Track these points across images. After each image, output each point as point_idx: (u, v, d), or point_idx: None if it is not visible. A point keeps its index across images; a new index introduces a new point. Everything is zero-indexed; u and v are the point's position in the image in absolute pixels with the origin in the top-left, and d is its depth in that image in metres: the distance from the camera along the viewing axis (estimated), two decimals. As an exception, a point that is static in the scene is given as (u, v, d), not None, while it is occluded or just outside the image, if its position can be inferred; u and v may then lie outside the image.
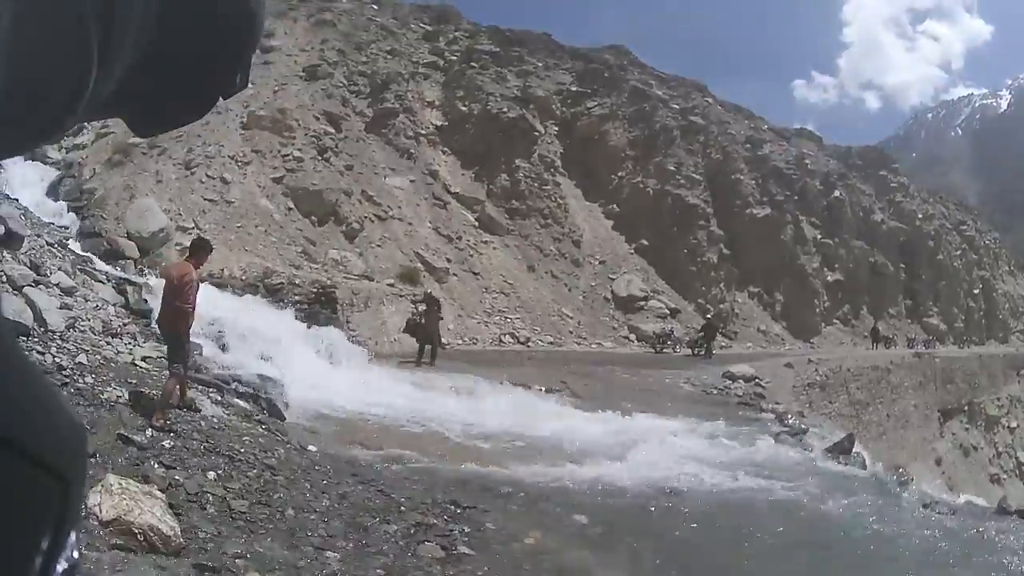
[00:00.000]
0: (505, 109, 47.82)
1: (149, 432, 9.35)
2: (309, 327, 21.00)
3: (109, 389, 10.25)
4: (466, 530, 9.20)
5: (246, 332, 17.61)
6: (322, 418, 15.05)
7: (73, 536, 0.56)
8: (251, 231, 30.01)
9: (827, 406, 35.69)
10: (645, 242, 49.89)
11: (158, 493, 7.59)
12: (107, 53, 0.53)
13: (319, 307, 24.28)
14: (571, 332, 38.81)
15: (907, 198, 76.71)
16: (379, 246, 35.28)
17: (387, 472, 11.41)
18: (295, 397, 15.31)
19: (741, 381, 28.41)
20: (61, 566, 0.55)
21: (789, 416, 22.72)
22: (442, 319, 26.65)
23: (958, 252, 79.43)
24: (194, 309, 10.75)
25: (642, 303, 44.61)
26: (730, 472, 14.22)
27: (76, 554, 0.57)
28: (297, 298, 24.55)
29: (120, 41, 0.54)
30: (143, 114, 0.71)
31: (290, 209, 33.23)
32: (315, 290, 25.05)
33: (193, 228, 28.66)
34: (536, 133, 48.71)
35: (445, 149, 46.19)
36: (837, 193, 65.44)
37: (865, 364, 44.92)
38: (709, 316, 40.43)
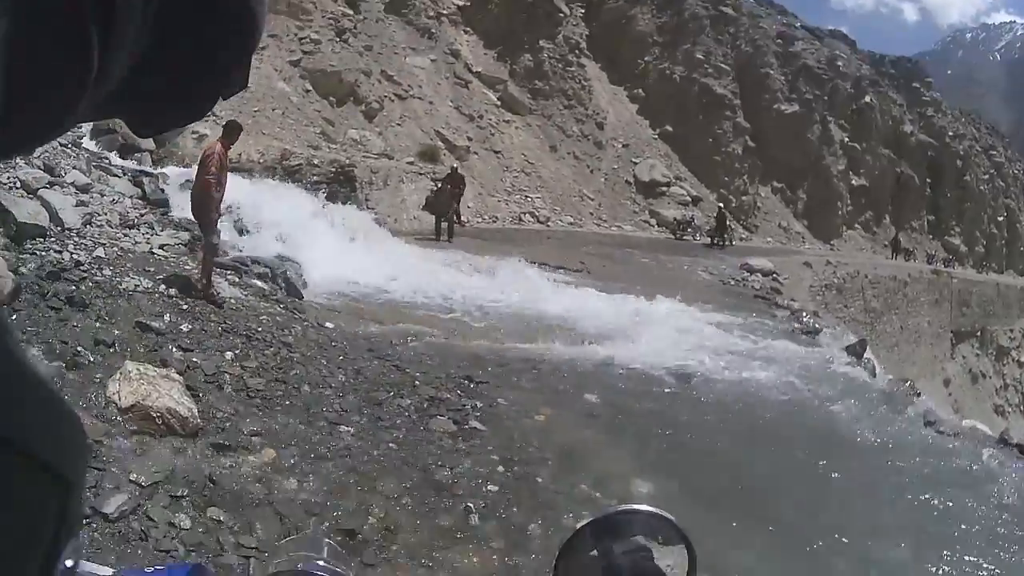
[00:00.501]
0: (530, -12, 46.70)
1: (167, 317, 9.42)
2: (326, 206, 20.94)
3: (127, 279, 10.22)
4: (478, 405, 9.38)
5: (264, 214, 17.59)
6: (340, 296, 15.12)
7: (72, 536, 0.56)
8: (268, 115, 29.72)
9: (842, 310, 35.71)
10: (669, 128, 49.49)
11: (176, 376, 7.71)
12: (107, 53, 0.51)
13: (338, 186, 24.16)
14: (591, 214, 38.75)
15: (938, 114, 75.03)
16: (399, 125, 34.97)
17: (403, 348, 11.56)
18: (313, 276, 15.38)
19: (759, 275, 28.39)
20: (62, 566, 0.55)
21: (804, 314, 22.77)
22: (462, 195, 26.43)
23: (986, 176, 77.54)
24: (219, 184, 10.84)
25: (664, 188, 44.38)
26: (742, 363, 14.35)
27: (77, 554, 0.60)
28: (316, 178, 24.45)
29: (120, 40, 0.52)
30: (143, 114, 0.70)
31: (308, 91, 32.83)
32: (334, 169, 24.91)
33: (208, 116, 28.34)
34: (561, 14, 47.63)
35: (467, 29, 45.36)
36: (868, 98, 63.95)
37: (883, 273, 44.33)
38: (721, 206, 39.80)
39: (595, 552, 1.21)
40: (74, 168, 15.43)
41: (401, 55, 39.22)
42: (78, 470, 0.55)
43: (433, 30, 42.41)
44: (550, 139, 42.75)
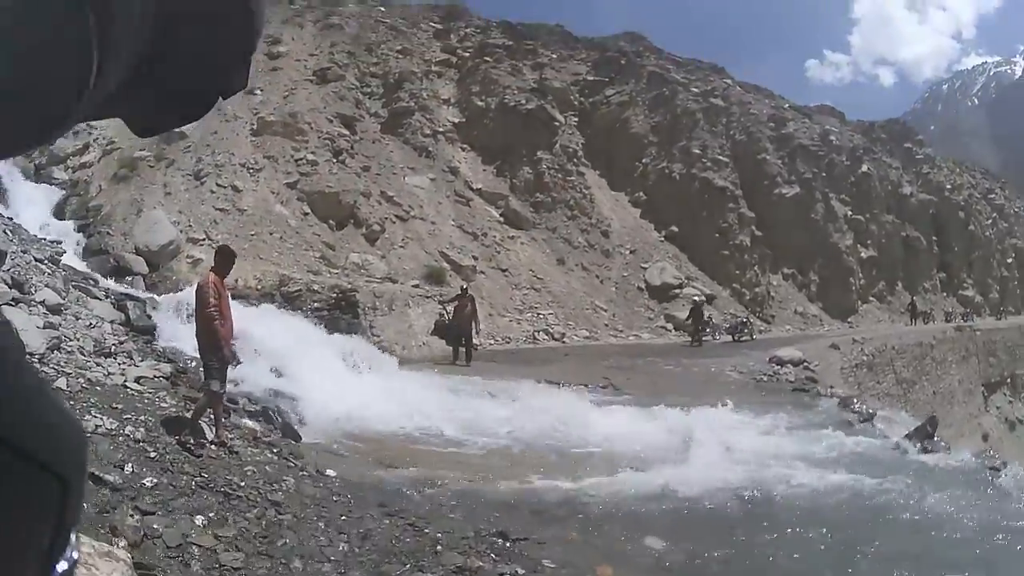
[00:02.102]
0: (523, 101, 45.76)
1: (129, 467, 7.56)
2: (330, 334, 19.07)
3: (88, 417, 8.46)
4: (520, 572, 7.27)
5: (260, 343, 15.77)
6: (344, 436, 13.23)
7: (73, 536, 0.57)
8: (266, 239, 28.21)
9: (875, 386, 33.72)
10: (675, 228, 47.81)
11: (121, 552, 5.87)
12: (106, 53, 0.52)
13: (339, 313, 22.45)
14: (606, 325, 36.74)
15: (934, 169, 73.69)
16: (402, 247, 33.34)
17: (420, 499, 9.55)
18: (313, 413, 13.57)
19: (790, 365, 26.52)
20: (61, 566, 0.55)
21: (854, 401, 20.86)
22: (479, 325, 24.77)
23: (988, 221, 76.09)
24: (223, 316, 9.58)
25: (676, 291, 42.44)
26: (808, 469, 12.39)
27: (75, 554, 0.58)
28: (316, 304, 22.75)
29: (119, 41, 0.53)
30: (143, 114, 0.69)
31: (306, 214, 31.40)
32: (335, 295, 23.19)
33: (204, 240, 26.97)
34: (556, 123, 46.61)
35: (464, 146, 44.32)
36: (865, 168, 62.62)
37: (909, 341, 42.66)
38: (696, 299, 37.47)
39: None
40: (47, 286, 13.89)
41: (400, 175, 37.97)
42: (76, 470, 0.55)
43: (430, 148, 41.33)
44: (557, 252, 41.07)
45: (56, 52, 0.48)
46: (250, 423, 11.65)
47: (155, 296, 18.33)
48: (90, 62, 0.49)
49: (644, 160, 51.20)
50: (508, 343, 30.16)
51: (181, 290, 19.62)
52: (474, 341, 24.36)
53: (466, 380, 19.52)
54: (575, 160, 46.60)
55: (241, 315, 17.72)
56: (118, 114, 0.65)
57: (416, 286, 29.57)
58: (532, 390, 18.01)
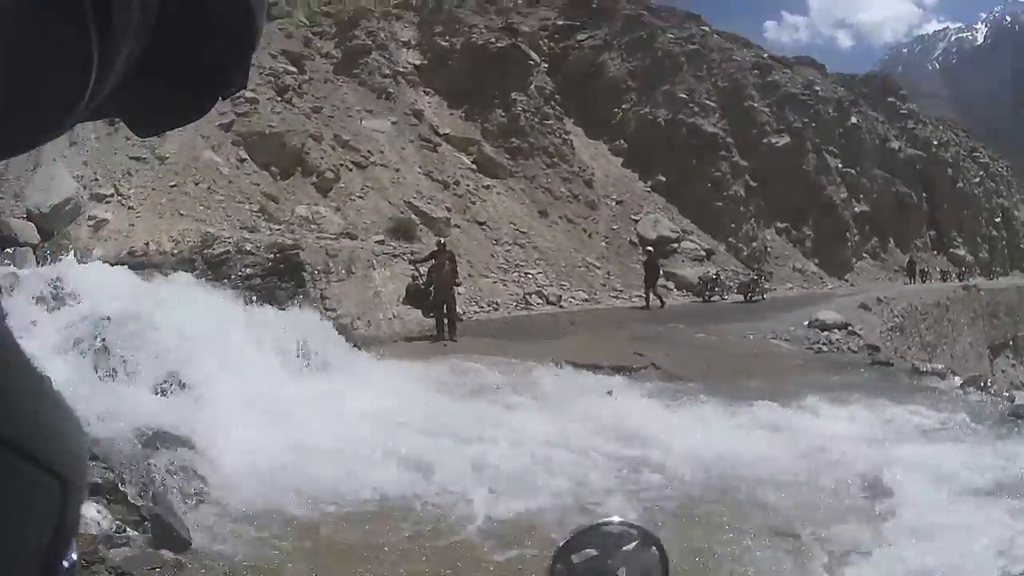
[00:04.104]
0: (493, 39, 39.19)
1: None
2: (251, 310, 12.69)
3: None
4: None
5: (153, 337, 9.47)
6: (271, 510, 6.98)
7: (73, 537, 0.56)
8: (189, 190, 21.63)
9: (907, 351, 29.21)
10: (662, 178, 42.04)
11: None
12: (106, 51, 0.51)
13: (278, 280, 15.92)
14: (603, 285, 30.66)
15: (919, 125, 69.84)
16: (360, 197, 26.79)
17: None
18: (220, 476, 7.50)
19: (836, 330, 22.03)
20: (61, 567, 0.54)
21: (982, 380, 15.60)
22: (459, 281, 18.63)
23: (976, 180, 72.75)
24: None
25: (675, 245, 36.66)
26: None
27: (75, 555, 0.57)
28: (248, 270, 16.27)
29: (120, 40, 0.52)
30: (141, 114, 0.67)
31: (243, 160, 24.72)
32: (272, 256, 16.55)
33: (112, 195, 20.49)
34: (531, 62, 40.16)
35: (427, 89, 37.64)
36: (854, 120, 58.38)
37: (928, 301, 38.94)
38: (650, 250, 31.11)
39: (559, 566, 1.36)
40: None
41: (356, 118, 31.28)
42: (77, 471, 0.54)
43: (390, 89, 34.64)
44: (537, 203, 34.72)
45: (56, 51, 0.47)
46: (91, 517, 5.68)
47: (16, 271, 11.84)
48: (90, 61, 0.48)
49: (624, 106, 45.44)
50: (496, 310, 23.89)
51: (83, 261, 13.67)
52: (457, 312, 18.22)
53: (461, 369, 13.43)
54: (552, 103, 40.09)
55: (134, 292, 11.41)
56: (117, 114, 0.62)
57: (380, 242, 23.14)
58: (558, 380, 12.49)
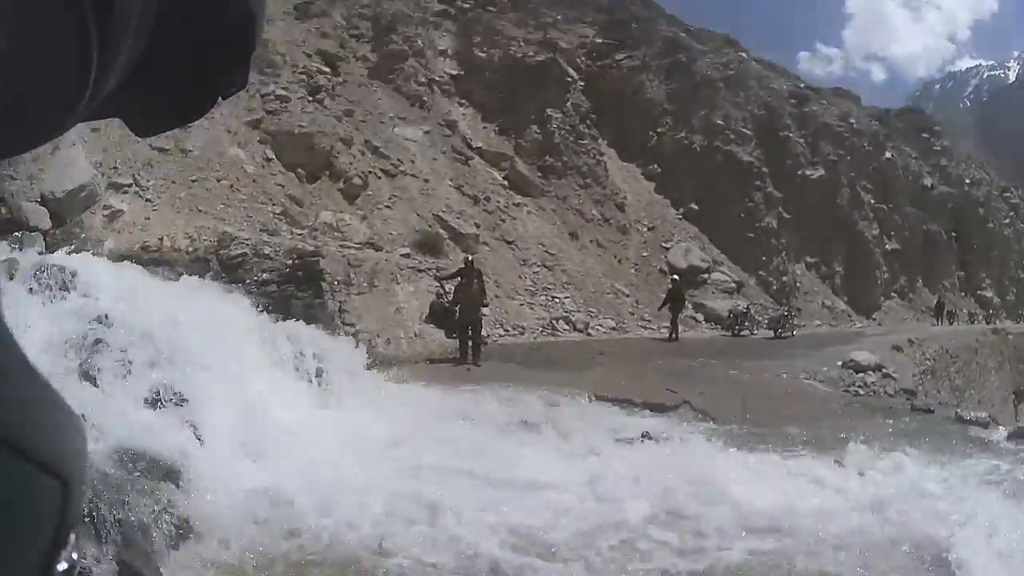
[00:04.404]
0: (531, 53, 38.20)
1: None
2: (275, 321, 11.65)
3: None
4: None
5: (149, 342, 8.44)
6: (259, 558, 5.98)
7: (73, 537, 0.56)
8: (210, 186, 20.54)
9: (936, 395, 27.37)
10: (694, 206, 40.71)
11: None
12: (106, 52, 0.52)
13: (294, 288, 14.77)
14: (631, 313, 29.41)
15: (952, 162, 68.11)
16: (388, 207, 25.72)
17: None
18: (209, 499, 6.58)
19: (870, 372, 20.76)
20: (61, 566, 0.54)
21: None
22: (486, 302, 17.52)
23: (1007, 220, 70.64)
24: None
25: (705, 276, 35.41)
26: None
27: (76, 555, 0.56)
28: (265, 275, 15.17)
29: (120, 40, 0.53)
30: (143, 114, 0.67)
31: (269, 160, 23.68)
32: (290, 261, 15.40)
33: (131, 186, 19.43)
34: (568, 79, 39.10)
35: (462, 100, 36.55)
36: (888, 154, 56.54)
37: (958, 344, 37.12)
38: (675, 278, 29.13)
39: None
40: None
41: (388, 124, 30.26)
42: (77, 471, 0.54)
43: (425, 98, 33.68)
44: (568, 225, 33.56)
45: (56, 51, 0.48)
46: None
47: (17, 258, 10.79)
48: (90, 61, 0.49)
49: (659, 130, 44.32)
50: (521, 334, 22.71)
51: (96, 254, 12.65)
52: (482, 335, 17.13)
53: (482, 397, 12.33)
54: (587, 122, 38.97)
55: (140, 291, 10.40)
56: (118, 113, 0.62)
57: (406, 255, 22.06)
58: (588, 416, 11.63)
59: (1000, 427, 14.76)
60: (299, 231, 20.45)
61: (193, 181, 20.36)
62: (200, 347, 8.96)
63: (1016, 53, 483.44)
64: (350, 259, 16.98)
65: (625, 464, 9.11)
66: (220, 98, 0.68)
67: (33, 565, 0.49)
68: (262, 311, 11.65)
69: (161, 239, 17.27)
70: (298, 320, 12.42)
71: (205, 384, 8.35)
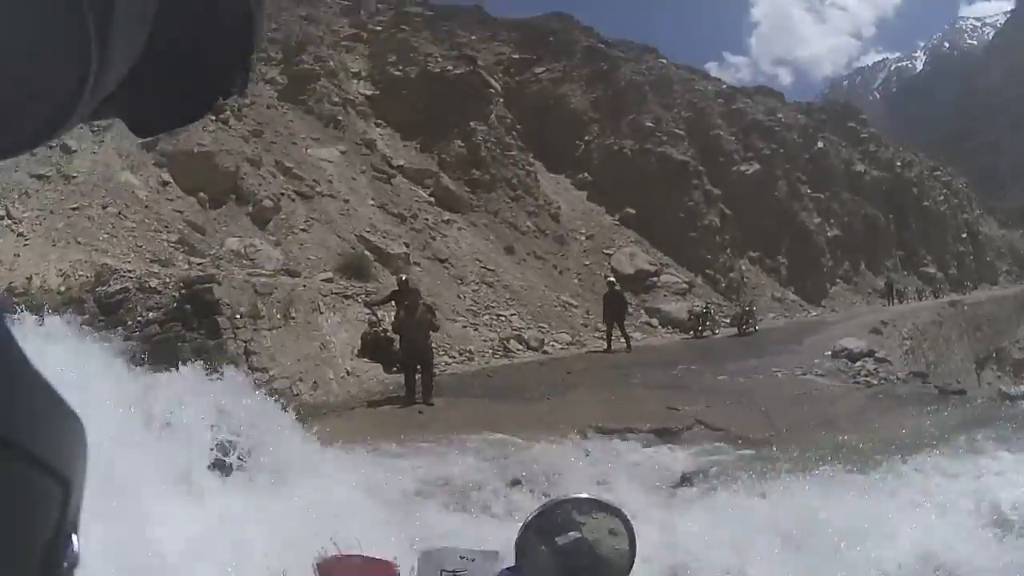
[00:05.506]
0: (450, 67, 35.69)
1: None
2: (156, 372, 8.21)
3: None
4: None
5: None
6: None
7: (74, 537, 0.54)
8: (92, 215, 17.25)
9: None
10: (631, 210, 38.57)
11: None
12: (106, 53, 0.49)
13: (181, 327, 11.38)
14: (584, 325, 26.54)
15: (881, 147, 68.67)
16: (304, 230, 22.60)
17: None
18: None
19: (866, 359, 19.54)
20: (62, 567, 0.53)
21: None
22: (437, 324, 14.19)
23: (940, 197, 71.91)
24: None
25: (654, 279, 32.98)
26: None
27: (76, 555, 0.55)
28: (151, 314, 11.80)
29: (119, 41, 0.51)
30: (142, 115, 0.66)
31: (165, 184, 20.50)
32: (177, 295, 12.00)
33: (2, 218, 16.04)
34: (491, 91, 36.69)
35: (379, 121, 33.86)
36: (820, 145, 57.05)
37: (925, 320, 37.98)
38: (611, 280, 25.19)
39: (544, 548, 1.35)
40: None
41: (301, 145, 27.19)
42: (78, 470, 0.53)
43: (339, 117, 30.71)
44: (503, 239, 30.89)
45: (55, 52, 0.46)
46: None
47: None
48: (89, 62, 0.47)
49: (586, 138, 42.69)
50: (471, 359, 19.47)
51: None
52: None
53: (450, 458, 9.02)
54: (513, 133, 36.39)
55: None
56: (117, 114, 0.61)
57: (329, 280, 18.82)
58: (593, 462, 8.88)
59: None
60: (199, 261, 17.14)
61: (73, 210, 17.10)
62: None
63: (922, 43, 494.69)
64: (256, 286, 13.63)
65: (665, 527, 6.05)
66: (220, 99, 0.66)
67: (33, 566, 0.47)
68: (139, 364, 8.27)
69: (30, 278, 13.92)
70: (188, 366, 8.91)
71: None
